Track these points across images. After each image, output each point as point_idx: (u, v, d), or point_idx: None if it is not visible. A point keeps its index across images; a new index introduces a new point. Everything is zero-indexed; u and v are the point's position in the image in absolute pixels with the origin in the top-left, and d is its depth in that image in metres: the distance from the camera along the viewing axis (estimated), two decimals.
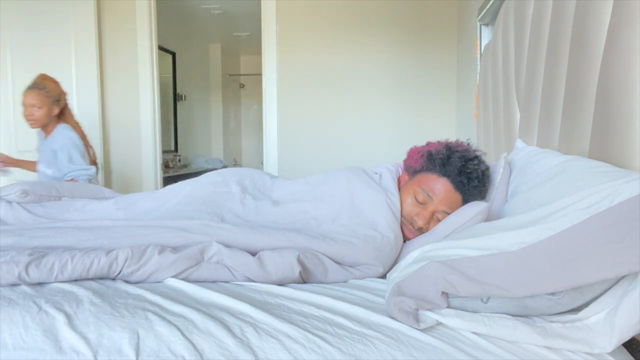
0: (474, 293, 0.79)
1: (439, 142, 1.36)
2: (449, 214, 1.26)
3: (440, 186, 1.27)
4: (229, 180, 1.39)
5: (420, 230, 1.27)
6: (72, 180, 2.39)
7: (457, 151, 1.29)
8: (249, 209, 1.31)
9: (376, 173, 1.41)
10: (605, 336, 0.74)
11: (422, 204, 1.27)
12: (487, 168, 1.34)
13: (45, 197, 1.45)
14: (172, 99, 5.00)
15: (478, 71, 2.32)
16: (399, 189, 1.35)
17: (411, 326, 0.80)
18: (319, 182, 1.38)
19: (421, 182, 1.29)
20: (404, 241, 1.28)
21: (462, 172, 1.26)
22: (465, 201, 1.28)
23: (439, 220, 1.26)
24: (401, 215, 1.28)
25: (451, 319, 0.81)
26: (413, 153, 1.38)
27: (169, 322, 0.76)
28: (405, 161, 1.40)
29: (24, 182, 1.45)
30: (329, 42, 3.10)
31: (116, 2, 3.25)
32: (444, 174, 1.27)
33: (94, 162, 2.63)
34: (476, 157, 1.31)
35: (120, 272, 0.96)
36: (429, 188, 1.27)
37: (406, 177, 1.37)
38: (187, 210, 1.28)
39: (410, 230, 1.28)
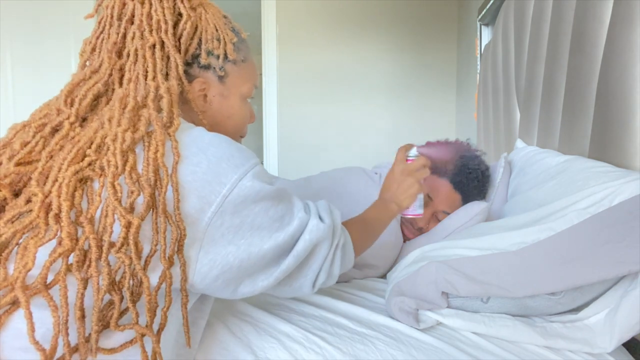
0: (474, 293, 0.79)
1: (438, 141, 1.37)
2: (448, 213, 1.26)
3: (440, 186, 1.27)
4: None
5: (420, 230, 1.27)
6: None
7: (457, 150, 1.30)
8: None
9: (376, 173, 1.41)
10: (606, 336, 0.74)
11: None
12: (487, 168, 1.34)
13: None
14: None
15: (478, 71, 2.32)
16: None
17: (411, 326, 0.80)
18: (318, 184, 1.38)
19: None
20: (404, 241, 1.28)
21: (461, 172, 1.26)
22: (465, 201, 1.28)
23: (439, 221, 1.26)
24: (401, 216, 1.27)
25: (451, 319, 0.81)
26: None
27: None
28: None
29: None
30: (329, 42, 3.10)
31: None
32: (444, 174, 1.27)
33: None
34: (476, 156, 1.31)
35: None
36: (429, 188, 1.27)
37: None
38: None
39: (410, 230, 1.28)
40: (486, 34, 2.29)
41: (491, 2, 2.05)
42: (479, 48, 2.33)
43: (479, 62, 2.32)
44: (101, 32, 0.71)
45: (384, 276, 1.19)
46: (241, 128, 0.84)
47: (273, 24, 3.10)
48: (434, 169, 1.29)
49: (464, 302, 0.83)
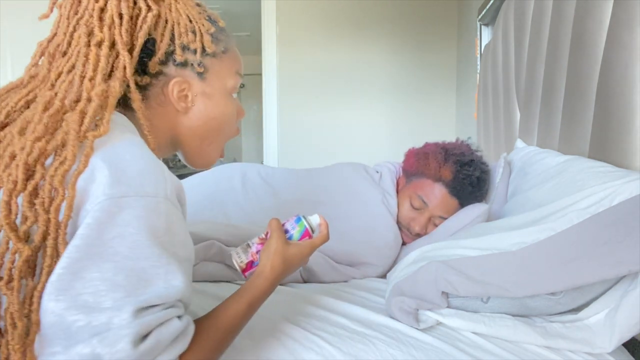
0: (474, 293, 0.79)
1: (435, 143, 1.34)
2: (445, 218, 1.25)
3: (435, 192, 1.25)
4: (232, 175, 1.39)
5: (418, 236, 1.26)
6: None
7: (452, 154, 1.27)
8: (251, 204, 1.31)
9: (377, 172, 1.40)
10: (606, 336, 0.74)
11: (417, 209, 1.26)
12: (484, 172, 1.31)
13: None
14: None
15: (478, 71, 2.32)
16: (397, 191, 1.34)
17: (411, 326, 0.80)
18: (321, 180, 1.38)
19: (417, 188, 1.27)
20: (403, 244, 1.28)
21: (456, 178, 1.24)
22: (462, 205, 1.27)
23: (436, 225, 1.26)
24: (398, 221, 1.27)
25: (451, 319, 0.81)
26: (409, 156, 1.36)
27: None
28: (402, 164, 1.39)
29: None
30: (329, 42, 3.10)
31: None
32: (439, 179, 1.25)
33: None
34: (472, 160, 1.28)
35: None
36: (424, 194, 1.25)
37: (403, 180, 1.36)
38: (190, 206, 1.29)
39: (407, 235, 1.27)
40: (486, 34, 2.29)
41: (491, 2, 2.05)
42: (479, 48, 2.33)
43: (479, 62, 2.32)
44: (54, 35, 0.64)
45: (384, 276, 1.19)
46: (228, 128, 0.76)
47: (273, 24, 3.10)
48: (428, 173, 1.27)
49: (464, 302, 0.83)
